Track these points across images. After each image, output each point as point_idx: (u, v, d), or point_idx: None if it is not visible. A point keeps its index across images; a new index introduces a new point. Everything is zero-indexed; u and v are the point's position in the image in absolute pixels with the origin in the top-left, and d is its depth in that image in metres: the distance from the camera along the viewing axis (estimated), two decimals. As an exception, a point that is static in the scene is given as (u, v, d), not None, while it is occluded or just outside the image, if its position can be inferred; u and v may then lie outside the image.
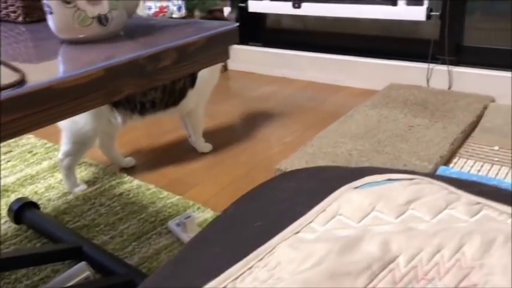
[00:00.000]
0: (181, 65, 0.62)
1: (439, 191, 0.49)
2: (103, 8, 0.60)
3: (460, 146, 1.52)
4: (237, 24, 0.70)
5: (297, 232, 0.47)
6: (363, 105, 1.83)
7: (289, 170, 1.42)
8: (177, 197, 1.36)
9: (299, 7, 2.16)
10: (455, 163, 1.43)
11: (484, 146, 1.51)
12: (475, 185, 0.54)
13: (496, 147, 1.49)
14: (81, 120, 1.32)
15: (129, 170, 1.56)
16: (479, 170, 1.37)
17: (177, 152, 1.66)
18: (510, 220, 0.45)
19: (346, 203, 0.50)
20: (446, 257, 0.41)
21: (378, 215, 0.47)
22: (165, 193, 1.39)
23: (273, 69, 2.43)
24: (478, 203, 0.47)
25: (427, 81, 1.95)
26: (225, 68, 2.59)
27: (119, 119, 1.38)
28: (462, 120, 1.62)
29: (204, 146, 1.64)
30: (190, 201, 1.34)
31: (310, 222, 0.49)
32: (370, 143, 1.52)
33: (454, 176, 1.31)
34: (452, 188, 0.50)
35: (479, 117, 1.65)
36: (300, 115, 1.93)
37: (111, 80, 0.54)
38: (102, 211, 1.32)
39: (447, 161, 1.44)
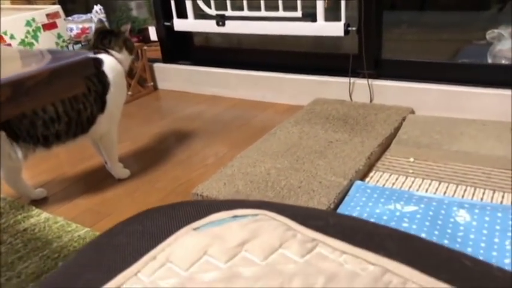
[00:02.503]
0: (18, 101, 0.57)
1: (276, 228, 0.46)
2: None
3: (377, 159, 1.54)
4: (90, 55, 0.65)
5: (120, 286, 0.43)
6: (287, 122, 1.82)
7: (206, 193, 1.39)
8: (86, 229, 1.29)
9: (223, 25, 2.14)
10: (371, 177, 1.43)
11: (400, 158, 1.53)
12: (326, 216, 0.52)
13: (412, 159, 1.51)
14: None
15: (40, 202, 1.47)
16: (393, 183, 1.39)
17: (93, 180, 1.59)
18: (343, 257, 0.43)
19: (179, 247, 0.46)
20: (265, 306, 0.38)
21: (208, 260, 0.44)
22: (74, 226, 1.31)
23: (203, 87, 2.40)
24: (314, 239, 0.45)
25: (350, 95, 1.97)
26: (154, 88, 2.53)
27: (19, 153, 1.29)
28: (380, 133, 1.63)
29: (121, 172, 1.57)
30: (100, 233, 1.26)
31: (138, 272, 0.45)
32: (289, 161, 1.50)
33: (368, 190, 1.31)
34: (292, 223, 0.47)
35: (398, 129, 1.68)
36: (226, 134, 1.90)
37: None
38: (2, 250, 1.23)
39: (364, 175, 1.45)
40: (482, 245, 1.05)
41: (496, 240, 1.05)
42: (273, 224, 0.47)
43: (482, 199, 1.26)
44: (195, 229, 0.49)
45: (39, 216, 1.37)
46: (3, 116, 0.58)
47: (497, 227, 1.09)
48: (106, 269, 0.47)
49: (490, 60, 1.87)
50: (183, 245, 0.46)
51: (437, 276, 0.39)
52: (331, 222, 0.49)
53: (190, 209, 0.55)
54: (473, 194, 1.28)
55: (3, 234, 1.30)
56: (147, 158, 1.74)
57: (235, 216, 0.50)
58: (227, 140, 1.84)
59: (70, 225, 1.31)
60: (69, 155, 1.80)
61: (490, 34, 1.93)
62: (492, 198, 1.26)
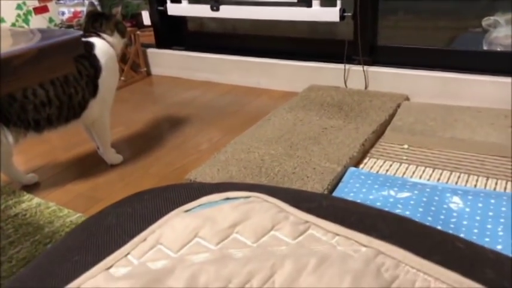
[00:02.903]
0: (6, 80, 0.56)
1: (268, 210, 0.46)
2: None
3: (372, 146, 1.53)
4: (81, 33, 0.64)
5: (109, 267, 0.42)
6: (281, 108, 1.81)
7: (199, 179, 1.38)
8: (78, 214, 1.28)
9: (217, 10, 2.12)
10: (365, 163, 1.43)
11: (394, 145, 1.52)
12: (319, 199, 0.51)
13: (406, 146, 1.51)
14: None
15: (31, 187, 1.46)
16: (387, 170, 1.38)
17: (85, 166, 1.57)
18: (335, 239, 0.42)
19: (169, 229, 0.45)
20: (256, 287, 0.38)
21: (199, 242, 0.43)
22: (66, 211, 1.30)
23: (197, 73, 2.38)
24: (306, 221, 0.44)
25: (345, 81, 1.96)
26: (148, 73, 2.50)
27: (10, 138, 1.27)
28: (375, 120, 1.63)
29: (114, 158, 1.55)
30: (92, 218, 1.26)
31: (127, 254, 0.44)
32: (283, 147, 1.50)
33: (362, 176, 1.31)
34: (285, 206, 0.47)
35: (392, 116, 1.67)
36: (220, 120, 1.88)
37: None
38: (-7, 235, 1.22)
39: (358, 162, 1.44)
40: (475, 231, 1.05)
41: (489, 226, 1.06)
42: (265, 206, 0.46)
43: (475, 186, 1.26)
44: (186, 211, 0.48)
45: (31, 202, 1.36)
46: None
47: (490, 214, 1.09)
48: (95, 250, 0.46)
49: (485, 47, 1.86)
50: (173, 227, 0.45)
51: (430, 258, 0.38)
52: (323, 205, 0.48)
53: (181, 191, 0.55)
54: (467, 181, 1.28)
55: (-6, 219, 1.29)
56: (140, 144, 1.72)
57: (227, 199, 0.50)
58: (221, 126, 1.83)
59: (62, 210, 1.30)
60: (62, 140, 1.78)
61: (486, 21, 1.92)
62: (486, 185, 1.26)
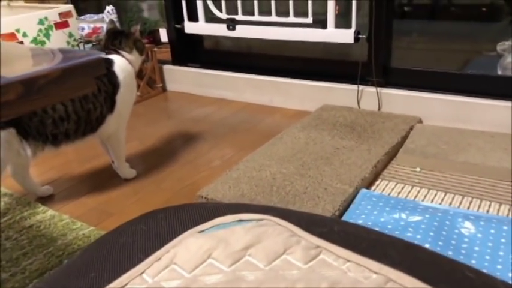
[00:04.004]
0: (30, 99, 0.58)
1: (281, 233, 0.47)
2: None
3: (384, 168, 1.53)
4: (102, 54, 0.66)
5: (124, 285, 0.44)
6: (294, 127, 1.83)
7: (211, 196, 1.39)
8: (91, 228, 1.30)
9: (234, 29, 2.15)
10: (377, 185, 1.43)
11: (407, 167, 1.52)
12: (330, 223, 0.52)
13: (418, 169, 1.50)
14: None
15: (46, 199, 1.48)
16: (399, 192, 1.38)
17: (99, 179, 1.60)
18: (346, 265, 0.43)
19: (183, 249, 0.46)
20: (267, 311, 0.38)
21: (212, 263, 0.44)
22: (79, 224, 1.32)
23: (211, 90, 2.41)
24: (318, 246, 0.45)
25: (358, 102, 1.97)
26: (163, 89, 2.54)
27: (28, 151, 1.30)
28: (387, 142, 1.63)
29: (128, 172, 1.58)
30: (104, 231, 1.27)
31: (143, 272, 0.45)
32: (295, 166, 1.50)
33: (373, 198, 1.31)
34: (297, 230, 0.47)
35: (405, 138, 1.67)
36: (233, 137, 1.90)
37: None
38: (7, 245, 1.24)
39: (370, 184, 1.44)
40: (487, 257, 1.04)
41: (501, 253, 1.05)
42: (278, 230, 0.47)
43: (488, 211, 1.26)
44: (200, 232, 0.49)
45: (45, 214, 1.38)
46: (14, 113, 0.59)
47: (503, 240, 1.08)
48: (110, 267, 0.47)
49: (500, 72, 1.86)
50: (187, 247, 0.46)
51: (439, 286, 0.39)
52: (335, 230, 0.49)
53: (195, 211, 0.56)
54: (479, 206, 1.28)
55: (9, 230, 1.31)
56: (154, 159, 1.75)
57: (240, 220, 0.51)
58: (233, 143, 1.85)
59: (75, 223, 1.32)
60: (77, 154, 1.81)
61: (500, 46, 1.93)
62: (498, 211, 1.25)
